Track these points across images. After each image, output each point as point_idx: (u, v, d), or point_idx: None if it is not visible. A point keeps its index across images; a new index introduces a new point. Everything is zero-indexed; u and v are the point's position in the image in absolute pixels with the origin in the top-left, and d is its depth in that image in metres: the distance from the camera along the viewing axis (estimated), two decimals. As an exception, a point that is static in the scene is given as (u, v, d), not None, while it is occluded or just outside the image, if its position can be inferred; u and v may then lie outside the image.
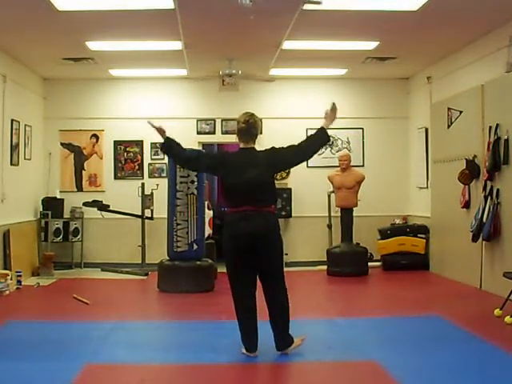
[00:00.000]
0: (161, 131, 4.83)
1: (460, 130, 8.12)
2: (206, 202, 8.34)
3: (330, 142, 4.70)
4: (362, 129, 10.31)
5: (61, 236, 9.62)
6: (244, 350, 4.69)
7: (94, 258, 9.92)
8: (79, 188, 10.10)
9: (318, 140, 4.79)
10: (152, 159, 10.15)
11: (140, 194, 9.62)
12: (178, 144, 4.85)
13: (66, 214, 9.83)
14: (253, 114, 4.80)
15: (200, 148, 9.58)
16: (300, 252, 10.05)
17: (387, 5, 6.39)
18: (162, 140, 4.85)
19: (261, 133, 8.56)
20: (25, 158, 9.09)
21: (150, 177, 10.08)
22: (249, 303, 4.68)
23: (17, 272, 7.83)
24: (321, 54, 8.47)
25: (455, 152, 8.12)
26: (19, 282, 7.78)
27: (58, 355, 4.68)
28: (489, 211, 7.10)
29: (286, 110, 10.24)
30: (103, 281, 8.84)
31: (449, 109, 8.38)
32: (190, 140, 9.76)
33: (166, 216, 7.90)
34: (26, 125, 9.09)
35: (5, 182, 8.26)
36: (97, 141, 10.16)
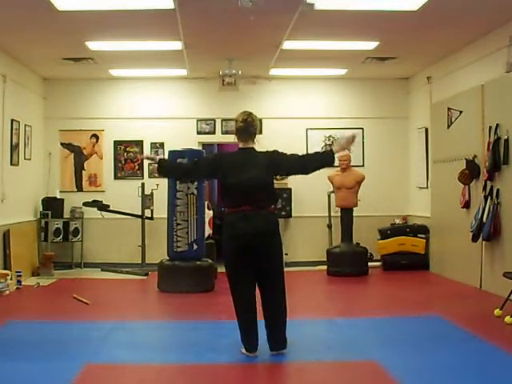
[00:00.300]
0: (153, 158, 5.21)
1: (460, 130, 8.12)
2: (206, 202, 8.34)
3: (332, 161, 4.79)
4: (362, 129, 10.28)
5: (61, 236, 9.62)
6: (243, 350, 4.68)
7: (94, 258, 9.92)
8: (79, 188, 10.10)
9: (323, 159, 4.82)
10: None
11: (140, 194, 9.62)
12: (172, 161, 4.99)
13: (66, 214, 9.82)
14: (251, 113, 4.80)
15: (200, 148, 9.57)
16: (300, 252, 10.04)
17: (387, 5, 6.39)
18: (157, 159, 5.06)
19: (261, 133, 8.58)
20: (25, 158, 9.09)
21: (149, 177, 10.05)
22: (249, 303, 4.68)
23: (17, 272, 7.83)
24: (321, 54, 8.46)
25: (455, 152, 8.12)
26: (19, 281, 7.78)
27: (58, 355, 4.68)
28: (489, 211, 7.10)
29: (286, 109, 10.22)
30: (103, 281, 8.84)
31: (449, 109, 8.37)
32: (190, 140, 9.81)
33: (166, 216, 7.90)
34: (26, 125, 9.09)
35: (5, 182, 8.26)
36: (97, 141, 10.16)
